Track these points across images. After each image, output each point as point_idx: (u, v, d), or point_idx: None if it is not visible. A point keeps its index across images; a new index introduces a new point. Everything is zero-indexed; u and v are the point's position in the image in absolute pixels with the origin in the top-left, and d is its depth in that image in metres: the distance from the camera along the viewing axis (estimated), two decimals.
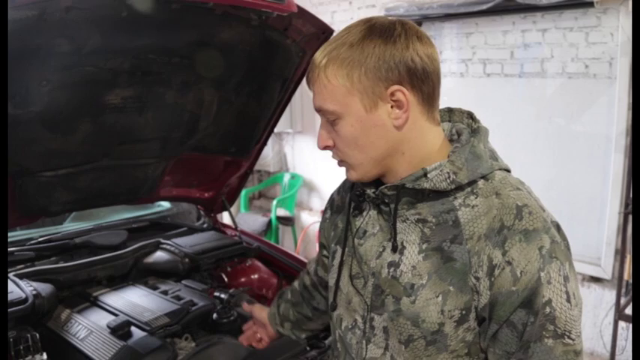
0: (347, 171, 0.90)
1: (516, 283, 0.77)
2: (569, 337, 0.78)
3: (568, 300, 0.78)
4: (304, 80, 0.90)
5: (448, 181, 0.82)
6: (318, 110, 0.86)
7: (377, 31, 0.80)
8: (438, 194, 0.84)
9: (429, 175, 0.83)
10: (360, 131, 0.83)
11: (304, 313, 1.29)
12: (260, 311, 1.39)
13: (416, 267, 0.84)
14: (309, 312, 1.29)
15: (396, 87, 0.80)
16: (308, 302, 1.28)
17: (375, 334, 0.89)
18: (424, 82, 0.81)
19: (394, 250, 0.86)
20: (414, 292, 0.83)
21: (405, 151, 0.85)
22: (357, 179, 0.90)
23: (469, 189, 0.83)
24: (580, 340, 0.80)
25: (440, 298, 0.81)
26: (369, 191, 0.90)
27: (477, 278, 0.79)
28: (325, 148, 0.89)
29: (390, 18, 0.84)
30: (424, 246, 0.84)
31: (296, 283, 1.33)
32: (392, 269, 0.86)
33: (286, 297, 1.33)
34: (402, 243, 0.86)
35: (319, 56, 0.83)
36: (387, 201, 0.88)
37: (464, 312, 0.81)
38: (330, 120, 0.85)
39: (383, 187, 0.87)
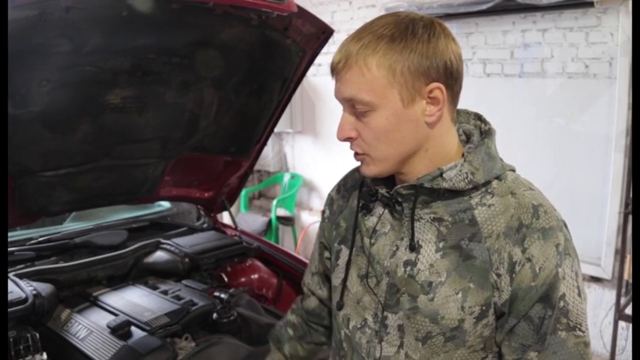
0: (365, 165, 0.88)
1: (535, 278, 0.80)
2: (579, 330, 0.82)
3: (579, 294, 0.82)
4: (304, 80, 0.90)
5: (466, 181, 0.84)
6: (348, 100, 0.83)
7: (419, 27, 0.80)
8: (453, 193, 0.85)
9: (445, 175, 0.84)
10: (395, 125, 0.82)
11: (316, 340, 1.19)
12: None
13: (434, 265, 0.85)
14: (321, 337, 1.19)
15: (435, 84, 0.81)
16: (319, 325, 1.19)
17: (389, 333, 0.90)
18: (456, 81, 0.84)
19: (412, 249, 0.87)
20: (432, 289, 0.84)
21: (429, 148, 0.85)
22: (375, 175, 0.88)
23: (484, 189, 0.85)
24: (588, 333, 0.83)
25: (460, 295, 0.83)
26: (382, 191, 0.90)
27: (499, 275, 0.81)
28: (346, 139, 0.87)
29: (423, 15, 0.84)
30: (441, 244, 0.85)
31: (292, 317, 1.22)
32: (408, 268, 0.87)
33: (287, 336, 1.21)
34: (417, 242, 0.87)
35: (354, 45, 0.80)
36: (400, 200, 0.88)
37: (484, 308, 0.83)
38: (361, 111, 0.82)
39: (398, 186, 0.87)
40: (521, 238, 0.81)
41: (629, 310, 2.72)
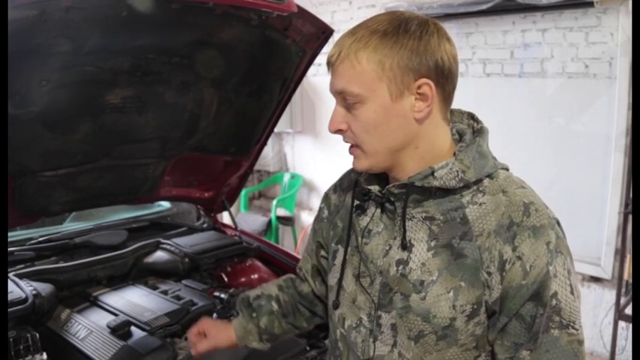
0: (357, 159, 0.89)
1: (526, 277, 0.80)
2: (573, 328, 0.82)
3: (572, 292, 0.82)
4: (304, 80, 0.90)
5: (457, 179, 0.84)
6: (340, 92, 0.85)
7: (412, 25, 0.81)
8: (445, 192, 0.86)
9: (436, 174, 0.85)
10: (382, 118, 0.83)
11: (298, 323, 1.20)
12: (224, 332, 1.20)
13: (425, 264, 0.85)
14: (303, 322, 1.20)
15: (424, 80, 0.82)
16: (307, 310, 1.19)
17: (383, 332, 0.90)
18: (447, 81, 0.84)
19: (404, 248, 0.87)
20: (424, 288, 0.85)
21: (419, 145, 0.86)
22: (366, 169, 0.90)
23: (475, 187, 0.86)
24: (582, 331, 0.83)
25: (451, 294, 0.83)
26: (375, 190, 0.91)
27: (489, 273, 0.82)
28: (337, 131, 0.88)
29: (419, 14, 0.85)
30: (433, 243, 0.85)
31: (280, 294, 1.20)
32: (400, 267, 0.87)
33: (268, 309, 1.18)
34: (409, 241, 0.87)
35: (348, 39, 0.83)
36: (392, 199, 0.89)
37: (475, 306, 0.83)
38: (351, 103, 0.84)
39: (390, 186, 0.88)
40: (512, 236, 0.81)
41: (629, 310, 2.72)
